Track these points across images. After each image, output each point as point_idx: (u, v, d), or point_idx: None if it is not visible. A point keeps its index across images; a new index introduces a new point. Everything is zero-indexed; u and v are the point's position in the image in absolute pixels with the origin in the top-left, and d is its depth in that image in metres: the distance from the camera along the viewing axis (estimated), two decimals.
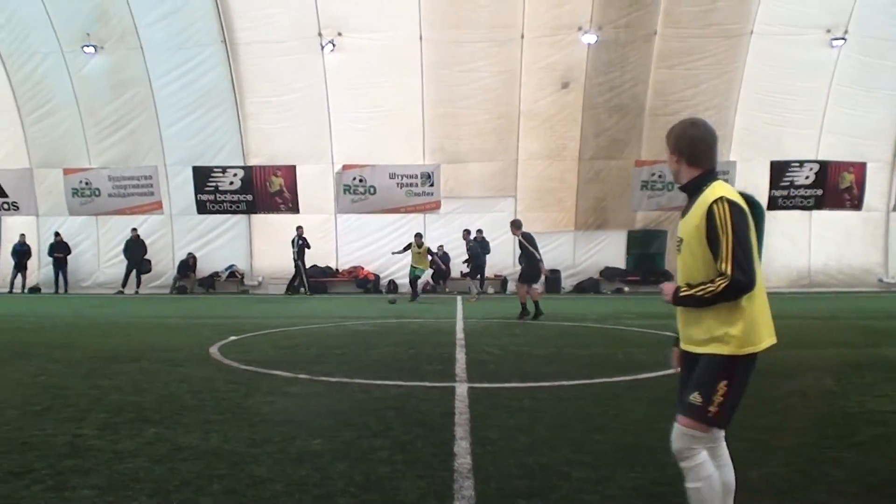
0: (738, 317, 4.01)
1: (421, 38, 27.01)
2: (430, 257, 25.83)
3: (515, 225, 18.49)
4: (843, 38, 27.47)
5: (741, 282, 3.87)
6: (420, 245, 25.26)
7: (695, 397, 4.07)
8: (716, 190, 4.04)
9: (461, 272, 29.35)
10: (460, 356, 11.70)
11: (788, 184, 29.25)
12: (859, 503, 5.22)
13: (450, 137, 28.40)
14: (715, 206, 3.95)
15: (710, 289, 3.93)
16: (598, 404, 8.18)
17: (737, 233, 3.89)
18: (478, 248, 27.51)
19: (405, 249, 25.36)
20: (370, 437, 6.74)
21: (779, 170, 29.27)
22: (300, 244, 28.31)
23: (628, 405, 8.16)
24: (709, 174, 4.19)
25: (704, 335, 4.10)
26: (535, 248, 17.75)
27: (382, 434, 6.82)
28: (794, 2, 27.03)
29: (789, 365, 10.74)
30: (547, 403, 8.24)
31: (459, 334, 14.82)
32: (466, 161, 28.82)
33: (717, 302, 3.97)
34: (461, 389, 8.91)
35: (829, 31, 27.51)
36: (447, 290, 29.29)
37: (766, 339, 4.18)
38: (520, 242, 18.03)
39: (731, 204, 3.94)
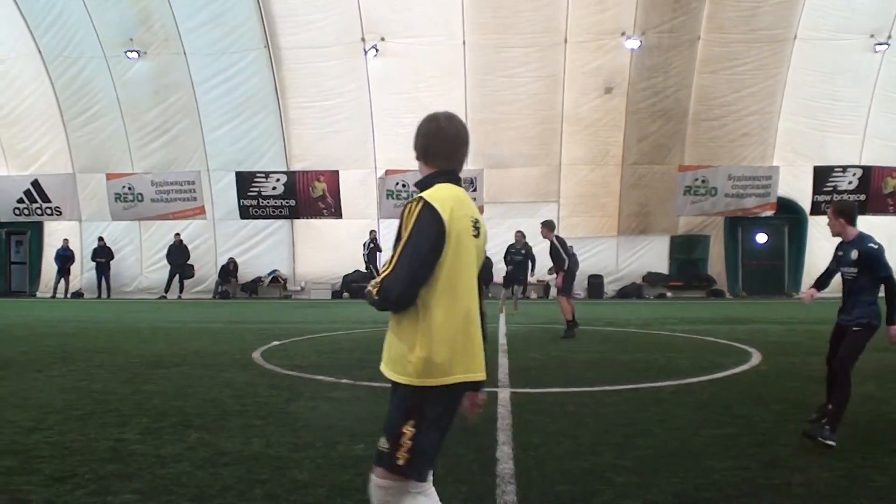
0: (420, 338, 3.39)
1: (464, 43, 26.97)
2: None
3: (548, 226, 16.55)
4: (886, 43, 27.03)
5: (385, 290, 3.30)
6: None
7: (382, 442, 3.48)
8: (431, 192, 3.48)
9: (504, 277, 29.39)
10: (503, 361, 11.61)
11: (831, 189, 28.72)
12: None
13: (492, 142, 28.24)
14: (408, 205, 3.41)
15: (370, 289, 3.40)
16: (642, 409, 8.14)
17: (413, 237, 3.31)
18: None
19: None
20: None
21: (822, 175, 28.81)
22: (371, 247, 28.29)
23: (672, 410, 8.12)
24: (441, 175, 3.63)
25: (386, 352, 3.60)
26: (567, 253, 16.49)
27: None
28: (838, 7, 26.64)
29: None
30: (590, 408, 8.17)
31: (502, 339, 14.73)
32: (509, 166, 28.69)
33: (379, 307, 3.41)
34: (504, 394, 8.85)
35: (872, 35, 27.09)
36: (489, 295, 29.17)
37: (459, 372, 3.43)
38: (552, 247, 16.36)
39: (426, 206, 3.36)
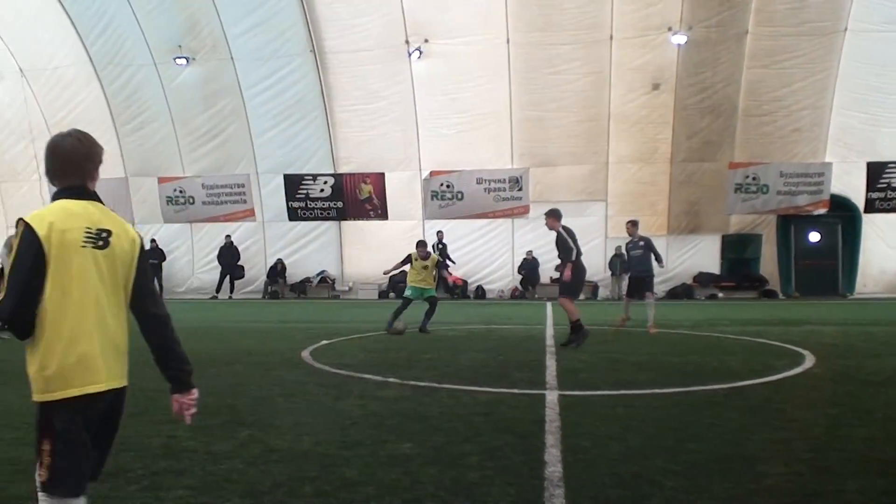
0: (35, 355, 3.43)
1: (508, 41, 26.88)
2: (439, 272, 18.48)
3: (555, 215, 14.65)
4: None
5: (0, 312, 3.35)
6: (426, 257, 17.41)
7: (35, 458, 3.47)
8: (36, 211, 3.52)
9: (550, 278, 29.29)
10: (550, 363, 11.56)
11: (885, 185, 28.24)
12: None
13: (538, 141, 28.21)
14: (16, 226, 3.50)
15: None
16: (693, 413, 8.01)
17: (15, 259, 3.38)
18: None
19: (404, 262, 17.64)
20: (460, 442, 6.68)
21: (875, 171, 28.25)
22: (441, 248, 28.28)
23: (724, 414, 7.97)
24: (62, 192, 3.64)
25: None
26: (577, 244, 14.48)
27: (472, 440, 6.75)
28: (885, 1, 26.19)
29: (888, 374, 10.42)
30: (640, 412, 8.07)
31: (549, 341, 14.65)
32: (555, 164, 28.58)
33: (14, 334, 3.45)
34: (552, 397, 8.79)
35: None
36: (536, 296, 29.09)
37: (74, 386, 3.42)
38: (558, 239, 14.44)
39: (25, 227, 3.41)
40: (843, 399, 8.81)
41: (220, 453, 6.31)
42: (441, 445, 6.54)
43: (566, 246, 14.32)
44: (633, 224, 18.20)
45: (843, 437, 6.94)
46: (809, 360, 11.83)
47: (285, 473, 5.73)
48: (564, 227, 14.52)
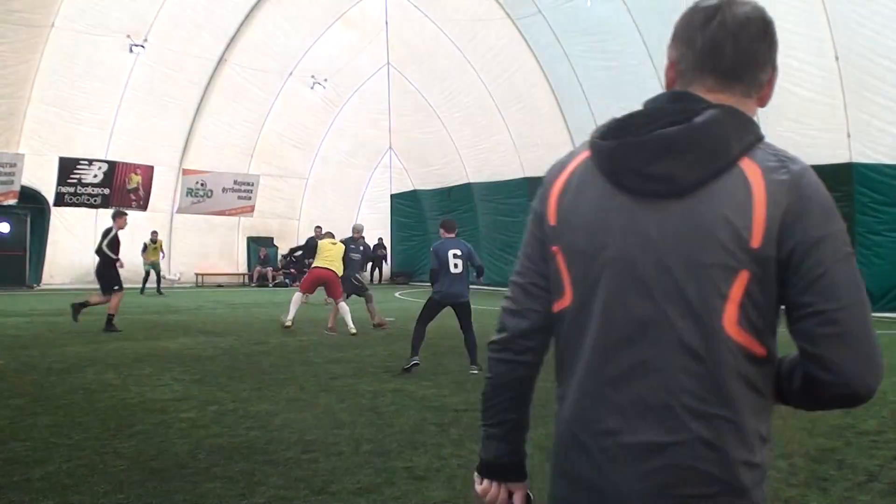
0: None
1: None
2: None
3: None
4: (142, 45, 28.42)
5: None
6: None
7: None
8: None
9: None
10: None
11: (76, 181, 29.36)
12: (142, 490, 5.33)
13: None
14: None
15: None
16: None
17: None
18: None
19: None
20: None
21: (67, 166, 28.93)
22: None
23: None
24: None
25: None
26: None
27: None
28: (96, 4, 26.96)
29: (71, 361, 11.04)
30: None
31: None
32: None
33: None
34: None
35: (129, 36, 28.09)
36: None
37: None
38: None
39: None
40: (27, 389, 8.97)
41: None
42: None
43: None
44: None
45: (28, 427, 7.06)
46: None
47: None
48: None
